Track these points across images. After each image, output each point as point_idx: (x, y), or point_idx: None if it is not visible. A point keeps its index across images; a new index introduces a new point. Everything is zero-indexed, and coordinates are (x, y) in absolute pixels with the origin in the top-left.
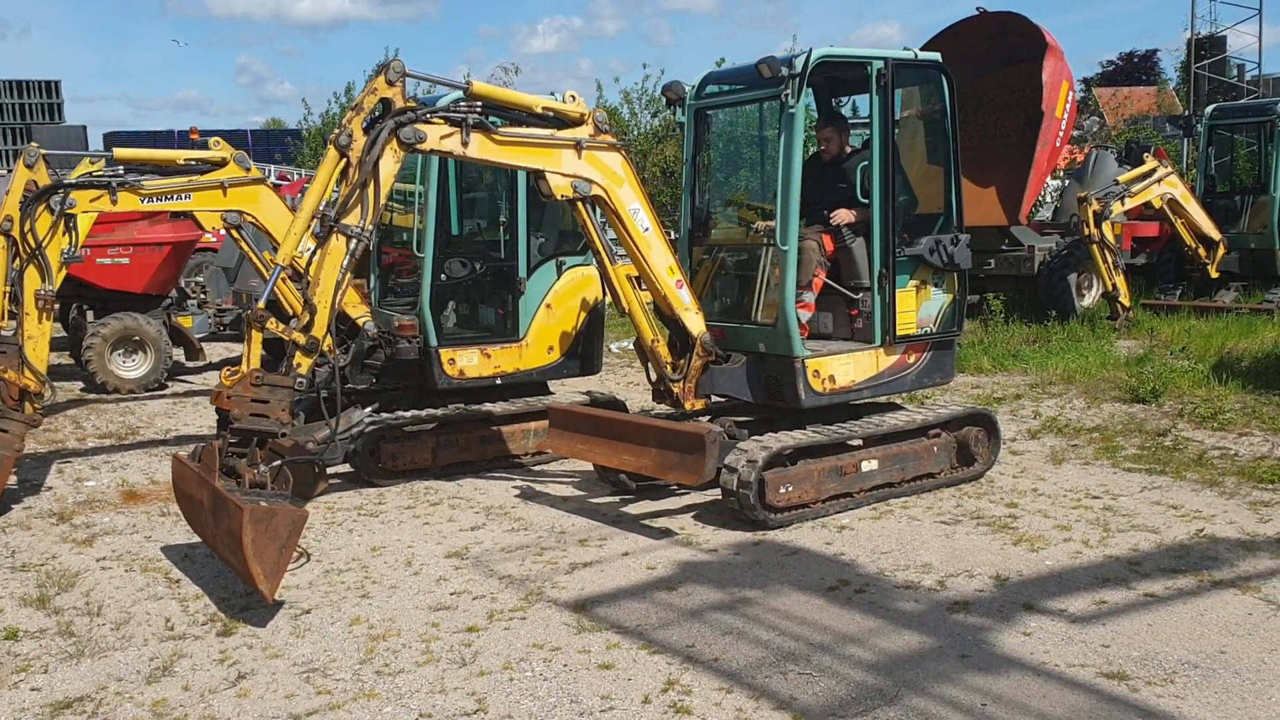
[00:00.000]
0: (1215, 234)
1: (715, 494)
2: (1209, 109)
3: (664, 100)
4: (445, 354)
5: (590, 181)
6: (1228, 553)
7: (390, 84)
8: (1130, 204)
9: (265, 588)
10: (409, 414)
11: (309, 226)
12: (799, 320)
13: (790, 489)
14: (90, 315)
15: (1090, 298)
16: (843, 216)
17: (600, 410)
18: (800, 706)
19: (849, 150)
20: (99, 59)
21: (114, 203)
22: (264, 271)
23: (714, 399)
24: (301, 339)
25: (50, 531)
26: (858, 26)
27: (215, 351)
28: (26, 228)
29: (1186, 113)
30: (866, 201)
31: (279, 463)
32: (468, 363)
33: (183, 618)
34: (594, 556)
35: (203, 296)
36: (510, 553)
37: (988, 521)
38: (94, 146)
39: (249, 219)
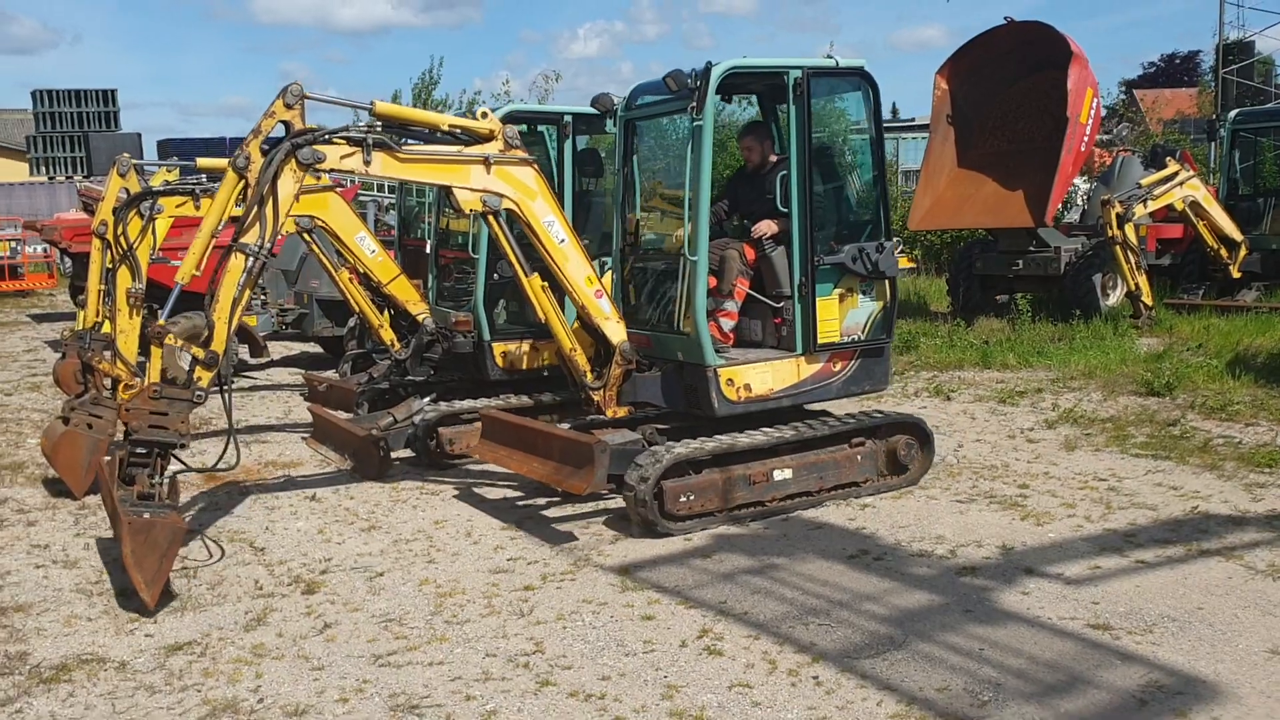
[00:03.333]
0: (1237, 235)
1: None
2: (1232, 113)
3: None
4: (497, 347)
5: (500, 196)
6: (1218, 527)
7: (289, 107)
8: (1153, 206)
9: (146, 595)
10: (464, 403)
11: (208, 246)
12: (722, 328)
13: (691, 498)
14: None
15: (1115, 297)
16: (762, 228)
17: (518, 418)
18: (819, 650)
19: (773, 159)
20: (148, 66)
21: (197, 208)
22: (332, 273)
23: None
24: (201, 354)
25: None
26: (899, 28)
27: (276, 349)
28: (119, 231)
29: (1212, 116)
30: (788, 210)
31: (173, 474)
32: (517, 355)
33: (269, 579)
34: (636, 530)
35: (264, 297)
36: (560, 525)
37: (999, 500)
38: (147, 154)
39: (319, 223)
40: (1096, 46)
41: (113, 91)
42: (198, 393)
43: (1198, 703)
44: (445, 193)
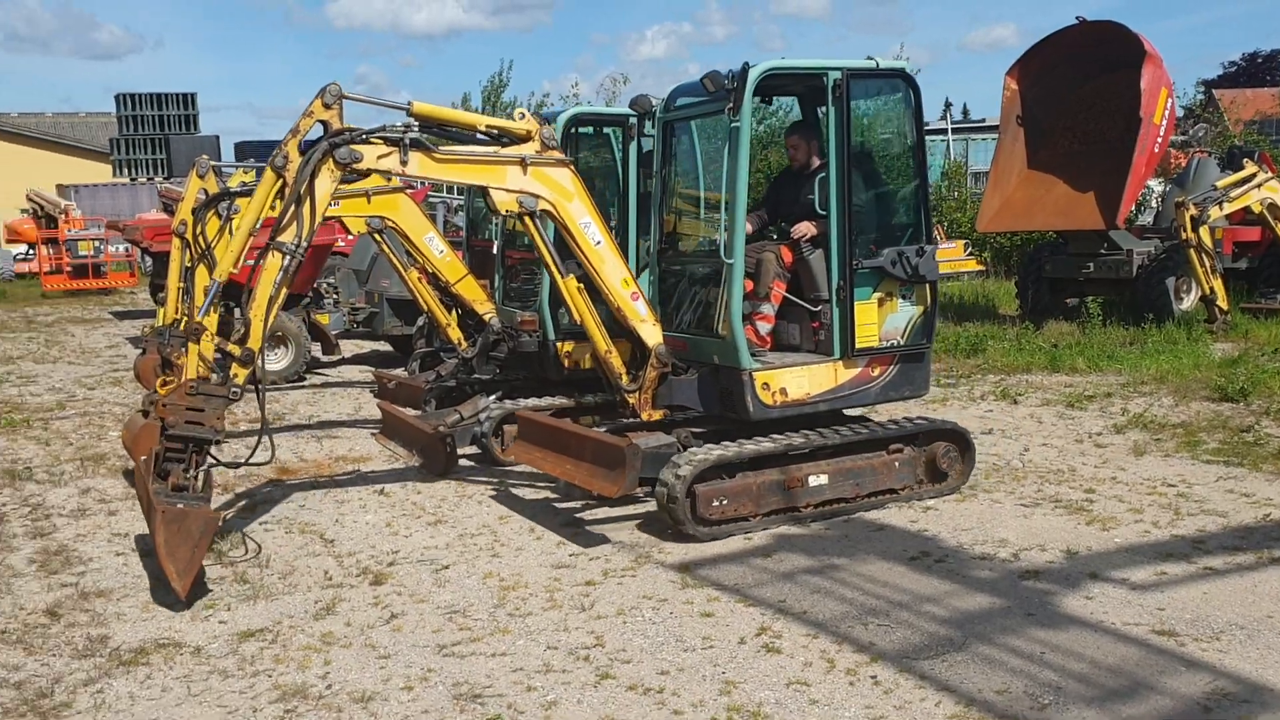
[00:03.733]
0: None
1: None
2: None
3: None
4: (562, 347)
5: (537, 197)
6: None
7: (327, 107)
8: (1229, 209)
9: (178, 585)
10: (529, 401)
11: (245, 243)
12: (759, 332)
13: (725, 502)
14: (237, 312)
15: (1189, 301)
16: (800, 230)
17: (552, 420)
18: (878, 650)
19: (818, 161)
20: (226, 70)
21: (272, 209)
22: (401, 272)
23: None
24: (237, 351)
25: (216, 499)
26: (972, 28)
27: (347, 348)
28: (198, 231)
29: None
30: (826, 213)
31: (207, 467)
32: (581, 355)
33: (338, 570)
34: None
35: (335, 296)
36: (621, 523)
37: (1065, 505)
38: (225, 156)
39: (390, 224)
40: (1174, 47)
41: (192, 95)
42: (233, 389)
43: (1264, 711)
44: (481, 193)
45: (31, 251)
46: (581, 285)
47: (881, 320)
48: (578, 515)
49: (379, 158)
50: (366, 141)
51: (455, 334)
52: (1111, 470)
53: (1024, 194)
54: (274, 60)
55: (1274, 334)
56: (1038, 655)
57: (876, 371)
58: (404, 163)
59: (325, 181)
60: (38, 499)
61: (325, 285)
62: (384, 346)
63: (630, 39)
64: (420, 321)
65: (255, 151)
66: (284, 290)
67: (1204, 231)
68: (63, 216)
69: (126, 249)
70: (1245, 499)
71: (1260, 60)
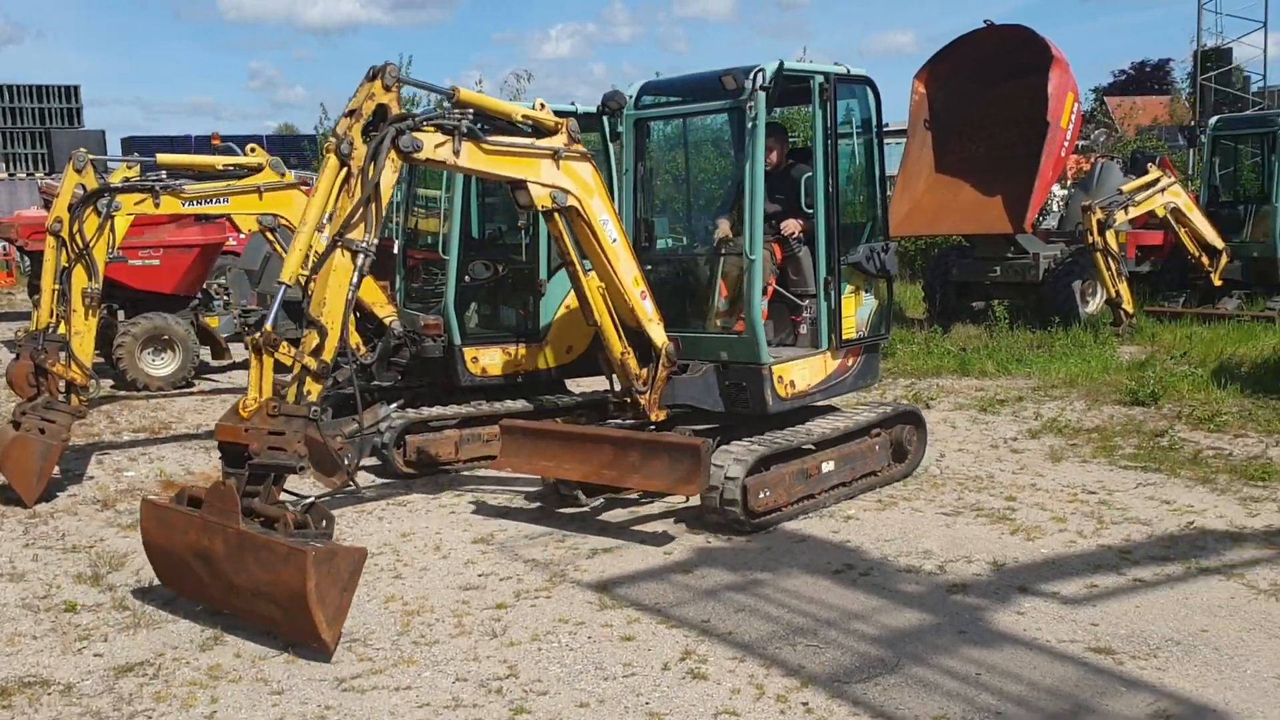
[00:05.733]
0: (1218, 243)
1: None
2: (1213, 120)
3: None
4: (469, 352)
5: (567, 192)
6: (1215, 543)
7: (387, 89)
8: (1134, 213)
9: (328, 636)
10: (433, 410)
11: (309, 243)
12: None
13: (768, 494)
14: (121, 315)
15: (1094, 304)
16: (791, 226)
17: (565, 425)
18: (808, 674)
19: (788, 161)
20: (113, 63)
21: (157, 206)
22: None
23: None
24: (313, 364)
25: (95, 517)
26: (869, 34)
27: (238, 351)
28: (75, 229)
29: (1191, 124)
30: (809, 211)
31: (311, 499)
32: (490, 361)
33: None
34: (613, 543)
35: (225, 298)
36: (533, 539)
37: (987, 513)
38: (112, 150)
39: (283, 222)
40: (1070, 53)
41: (75, 88)
42: (312, 408)
43: None
44: (513, 189)
45: None
46: (603, 285)
47: (854, 313)
48: (488, 531)
49: (436, 146)
50: (423, 129)
51: (353, 338)
52: (1030, 477)
53: (932, 198)
54: (165, 54)
55: (1179, 337)
56: (973, 676)
57: (851, 362)
58: (456, 153)
59: (389, 172)
60: None
61: (215, 286)
62: None
63: (534, 38)
64: None
65: (143, 147)
66: (357, 294)
67: (1110, 235)
68: None
69: (4, 248)
70: (1167, 506)
71: (1148, 69)
